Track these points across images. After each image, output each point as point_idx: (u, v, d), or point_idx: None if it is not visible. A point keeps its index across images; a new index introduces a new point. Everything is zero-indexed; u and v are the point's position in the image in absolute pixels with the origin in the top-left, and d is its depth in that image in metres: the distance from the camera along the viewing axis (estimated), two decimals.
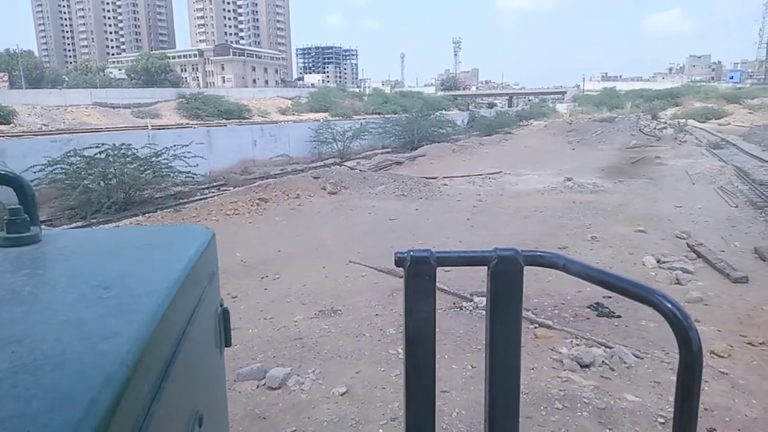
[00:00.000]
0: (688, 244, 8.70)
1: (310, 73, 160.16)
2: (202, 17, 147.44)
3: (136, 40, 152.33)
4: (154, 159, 13.48)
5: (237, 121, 43.54)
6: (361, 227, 11.10)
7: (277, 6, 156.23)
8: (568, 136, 34.40)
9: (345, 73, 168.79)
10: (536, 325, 5.89)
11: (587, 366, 4.78)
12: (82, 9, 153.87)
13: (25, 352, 0.61)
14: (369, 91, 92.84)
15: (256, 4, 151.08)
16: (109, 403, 0.52)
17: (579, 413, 4.10)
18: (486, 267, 0.90)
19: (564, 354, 5.05)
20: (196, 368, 0.94)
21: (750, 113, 50.57)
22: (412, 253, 0.89)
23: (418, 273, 0.89)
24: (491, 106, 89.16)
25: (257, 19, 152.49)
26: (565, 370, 4.74)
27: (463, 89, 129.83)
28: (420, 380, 0.92)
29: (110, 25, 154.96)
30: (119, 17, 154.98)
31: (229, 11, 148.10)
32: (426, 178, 17.51)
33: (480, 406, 4.46)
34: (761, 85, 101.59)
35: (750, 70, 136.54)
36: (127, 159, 13.25)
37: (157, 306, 0.74)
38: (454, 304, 6.66)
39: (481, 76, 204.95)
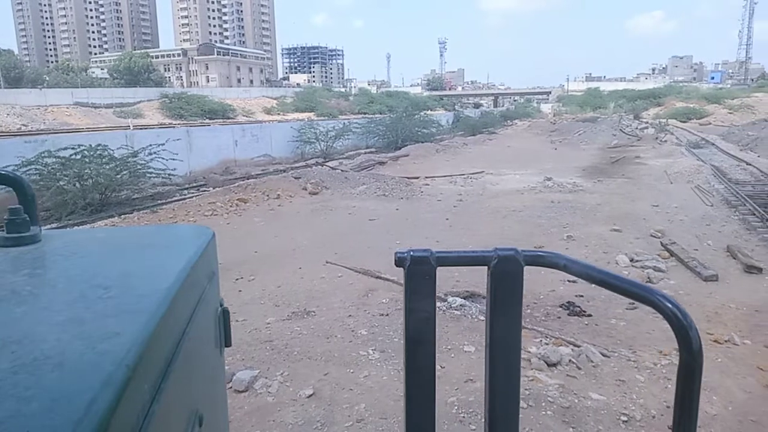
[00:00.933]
0: (661, 242, 8.80)
1: (296, 73, 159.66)
2: (186, 16, 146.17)
3: (119, 39, 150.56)
4: (130, 159, 13.31)
5: (221, 121, 43.25)
6: (340, 227, 11.07)
7: (262, 5, 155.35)
8: (550, 136, 34.65)
9: (331, 73, 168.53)
10: None
11: (554, 365, 4.80)
12: (64, 8, 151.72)
13: (25, 352, 0.61)
14: (355, 91, 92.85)
15: (241, 4, 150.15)
16: (109, 403, 0.52)
17: (543, 412, 4.11)
18: (486, 267, 0.89)
19: (533, 353, 5.07)
20: (196, 368, 0.94)
21: (730, 113, 51.39)
22: (412, 253, 0.89)
23: (418, 273, 0.88)
24: (477, 106, 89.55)
25: (242, 19, 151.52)
26: (532, 369, 4.76)
27: (449, 89, 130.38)
28: (420, 380, 0.91)
29: (92, 24, 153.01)
30: (102, 16, 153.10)
31: (213, 10, 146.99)
32: (408, 178, 17.52)
33: (447, 406, 4.44)
34: (741, 85, 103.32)
35: (730, 71, 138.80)
36: (104, 160, 13.07)
37: (157, 306, 0.74)
38: None
39: (467, 77, 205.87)
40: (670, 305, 0.75)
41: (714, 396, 4.28)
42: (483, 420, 0.93)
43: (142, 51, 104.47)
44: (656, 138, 29.82)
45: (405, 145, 28.10)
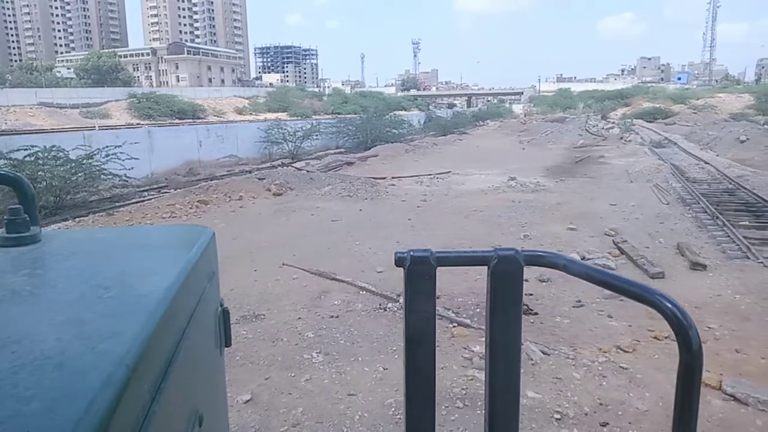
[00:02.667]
0: (614, 240, 8.95)
1: (269, 72, 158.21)
2: (155, 15, 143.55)
3: (87, 38, 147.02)
4: (86, 161, 12.99)
5: (191, 121, 42.58)
6: (301, 228, 10.99)
7: (233, 5, 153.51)
8: (520, 136, 35.06)
9: (305, 73, 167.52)
10: (455, 324, 5.94)
11: None
12: (27, 5, 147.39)
13: (25, 352, 0.61)
14: (329, 91, 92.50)
15: (212, 3, 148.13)
16: (109, 403, 0.52)
17: (479, 411, 4.13)
18: (486, 267, 0.89)
19: (476, 352, 5.10)
20: (196, 368, 0.94)
21: (694, 113, 52.72)
22: (412, 253, 0.88)
23: (418, 273, 0.87)
24: (451, 106, 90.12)
25: (213, 18, 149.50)
26: (473, 368, 4.78)
27: (423, 89, 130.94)
28: (420, 380, 0.91)
29: (58, 23, 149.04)
30: (68, 14, 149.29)
31: (183, 9, 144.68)
32: (374, 178, 17.51)
33: (384, 408, 4.43)
34: (706, 86, 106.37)
35: (696, 72, 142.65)
36: (59, 162, 12.73)
37: (157, 306, 0.74)
38: (379, 305, 6.64)
39: (441, 77, 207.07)
40: (669, 305, 0.75)
41: (646, 393, 4.35)
42: (484, 421, 0.94)
43: (110, 50, 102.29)
44: (621, 138, 30.44)
45: (375, 146, 28.10)
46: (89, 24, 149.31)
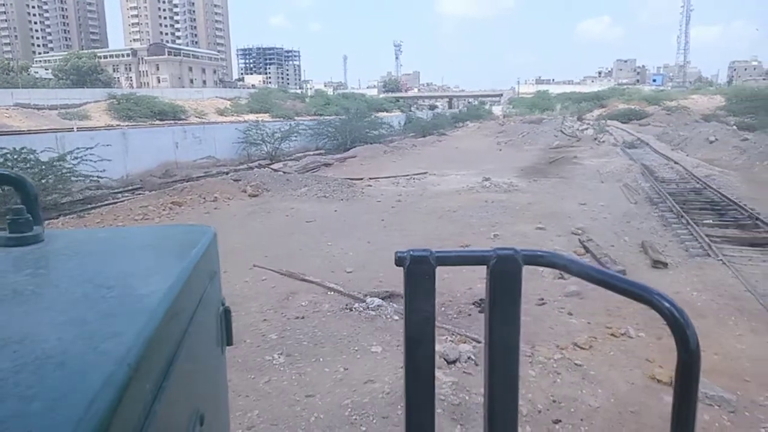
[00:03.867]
0: (579, 239, 9.10)
1: (251, 74, 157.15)
2: (136, 15, 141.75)
3: (65, 38, 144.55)
4: (56, 163, 12.81)
5: (172, 122, 42.09)
6: (275, 230, 10.97)
7: (215, 5, 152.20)
8: (497, 137, 35.35)
9: (287, 75, 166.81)
10: None
11: (453, 362, 4.90)
12: (3, 4, 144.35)
13: (26, 351, 0.61)
14: (311, 93, 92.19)
15: (193, 3, 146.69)
16: (111, 403, 0.52)
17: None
18: (485, 266, 0.89)
19: (437, 351, 5.15)
20: (198, 367, 0.95)
21: (668, 114, 53.73)
22: (411, 252, 0.88)
23: (418, 273, 0.87)
24: (433, 108, 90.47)
25: (194, 19, 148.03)
26: None
27: (405, 91, 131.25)
28: (420, 380, 0.91)
29: (36, 23, 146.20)
30: (46, 14, 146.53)
31: (164, 10, 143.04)
32: (351, 179, 17.53)
33: (340, 409, 4.47)
34: (680, 87, 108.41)
35: (671, 74, 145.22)
36: (28, 164, 12.53)
37: (159, 305, 0.74)
38: (346, 305, 6.67)
39: (423, 79, 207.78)
40: (667, 304, 0.76)
41: (599, 389, 4.45)
42: (483, 420, 0.95)
43: (90, 51, 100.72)
44: (595, 139, 30.88)
45: (355, 147, 28.12)
46: (68, 24, 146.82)
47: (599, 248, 8.38)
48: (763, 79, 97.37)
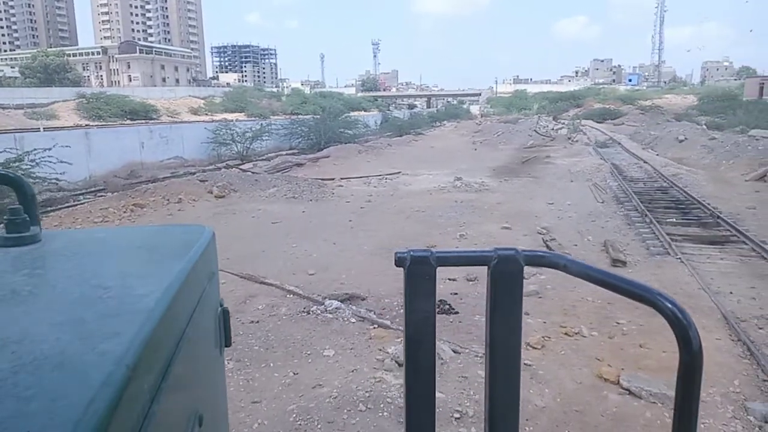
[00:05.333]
0: (543, 239, 9.14)
1: (226, 72, 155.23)
2: (106, 13, 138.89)
3: (33, 36, 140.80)
4: (13, 164, 12.40)
5: (144, 122, 41.28)
6: (239, 231, 10.80)
7: (188, 2, 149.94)
8: (474, 136, 35.55)
9: (263, 73, 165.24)
10: (375, 326, 5.93)
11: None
12: None
13: (25, 352, 0.61)
14: (288, 92, 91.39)
15: (166, 0, 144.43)
16: (109, 403, 0.52)
17: (380, 414, 4.12)
18: (486, 267, 0.89)
19: (390, 353, 5.09)
20: (196, 368, 0.94)
21: (642, 113, 54.65)
22: (412, 252, 0.88)
23: (418, 273, 0.87)
24: (412, 107, 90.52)
25: (167, 16, 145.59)
26: (383, 370, 4.77)
27: (384, 90, 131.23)
28: (420, 380, 0.91)
29: (1, 19, 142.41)
30: (11, 10, 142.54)
31: (135, 7, 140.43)
32: (322, 179, 17.40)
33: (285, 415, 4.36)
34: (655, 87, 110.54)
35: (646, 73, 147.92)
36: None
37: (157, 306, 0.74)
38: (304, 308, 6.57)
39: (401, 78, 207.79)
40: (669, 305, 0.73)
41: (546, 389, 4.44)
42: (483, 421, 0.94)
43: (58, 49, 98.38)
44: (569, 138, 31.22)
45: (329, 147, 27.93)
46: (35, 21, 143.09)
47: (561, 247, 8.42)
48: (735, 80, 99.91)
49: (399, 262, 0.87)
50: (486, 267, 0.88)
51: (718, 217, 10.64)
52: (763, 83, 51.49)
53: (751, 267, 7.87)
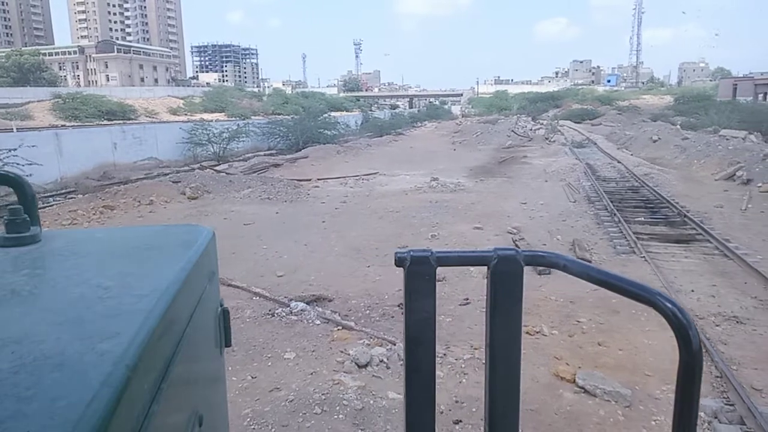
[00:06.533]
0: (512, 239, 9.20)
1: (207, 72, 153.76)
2: (83, 11, 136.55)
3: (7, 34, 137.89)
4: None
5: (122, 122, 40.65)
6: None
7: (167, 1, 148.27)
8: (453, 137, 35.71)
9: (245, 73, 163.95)
10: (339, 327, 5.90)
11: (365, 366, 4.82)
12: None
13: (25, 352, 0.61)
14: (269, 92, 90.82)
15: None
16: (109, 403, 0.52)
17: (336, 416, 4.10)
18: (486, 267, 0.89)
19: (351, 355, 5.07)
20: (196, 368, 0.95)
21: (619, 114, 55.40)
22: (412, 252, 0.88)
23: (418, 273, 0.87)
24: (394, 107, 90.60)
25: (146, 15, 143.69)
26: (343, 372, 4.75)
27: (366, 90, 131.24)
28: (420, 380, 0.90)
29: None
30: None
31: (113, 5, 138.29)
32: (298, 180, 17.31)
33: (239, 419, 4.31)
34: (633, 88, 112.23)
35: (625, 74, 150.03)
36: None
37: (157, 306, 0.74)
38: (269, 311, 6.52)
39: (383, 78, 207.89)
40: (669, 305, 0.73)
41: None
42: (484, 422, 0.94)
43: (33, 48, 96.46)
44: (546, 138, 31.52)
45: (307, 147, 27.80)
46: (9, 20, 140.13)
47: (529, 247, 8.47)
48: (710, 80, 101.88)
49: (399, 262, 0.88)
50: (486, 267, 0.88)
51: (686, 215, 10.83)
52: (736, 84, 52.68)
53: (714, 265, 8.01)
